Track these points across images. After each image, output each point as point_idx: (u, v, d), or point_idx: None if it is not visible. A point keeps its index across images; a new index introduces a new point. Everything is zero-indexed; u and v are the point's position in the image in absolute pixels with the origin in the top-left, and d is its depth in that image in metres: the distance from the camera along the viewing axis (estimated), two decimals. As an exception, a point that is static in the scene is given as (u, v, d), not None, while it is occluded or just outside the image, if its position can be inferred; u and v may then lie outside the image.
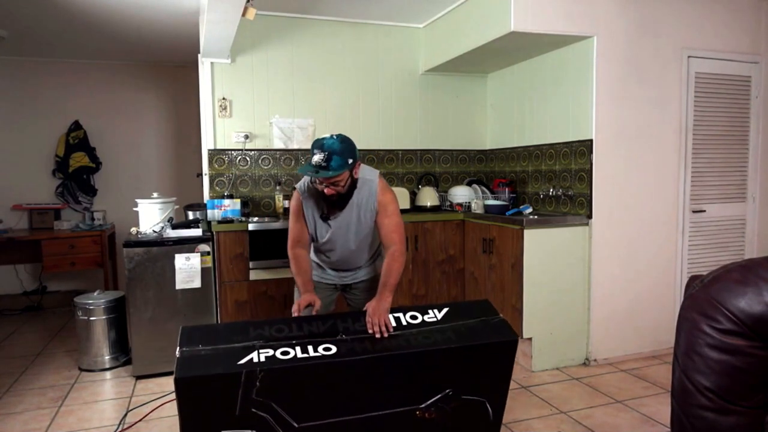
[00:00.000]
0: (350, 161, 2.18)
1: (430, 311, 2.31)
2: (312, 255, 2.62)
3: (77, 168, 5.28)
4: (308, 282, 2.45)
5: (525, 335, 3.41)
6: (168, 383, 3.30)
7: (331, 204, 2.33)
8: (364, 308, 2.27)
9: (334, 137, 2.18)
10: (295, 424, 1.94)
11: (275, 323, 2.13)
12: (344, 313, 2.35)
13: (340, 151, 2.13)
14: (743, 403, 1.16)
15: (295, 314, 2.33)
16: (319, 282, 2.62)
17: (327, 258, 2.56)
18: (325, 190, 2.23)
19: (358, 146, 4.41)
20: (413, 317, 2.28)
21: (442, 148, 4.64)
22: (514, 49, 3.73)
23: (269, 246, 3.60)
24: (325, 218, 2.40)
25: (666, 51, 3.58)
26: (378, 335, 2.13)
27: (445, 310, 2.33)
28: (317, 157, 2.12)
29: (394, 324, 2.21)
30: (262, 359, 1.90)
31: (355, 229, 2.41)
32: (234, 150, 4.08)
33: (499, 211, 3.85)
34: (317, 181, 2.23)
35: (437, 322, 2.25)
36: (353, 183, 2.29)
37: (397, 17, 4.24)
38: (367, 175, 2.38)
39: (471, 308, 2.37)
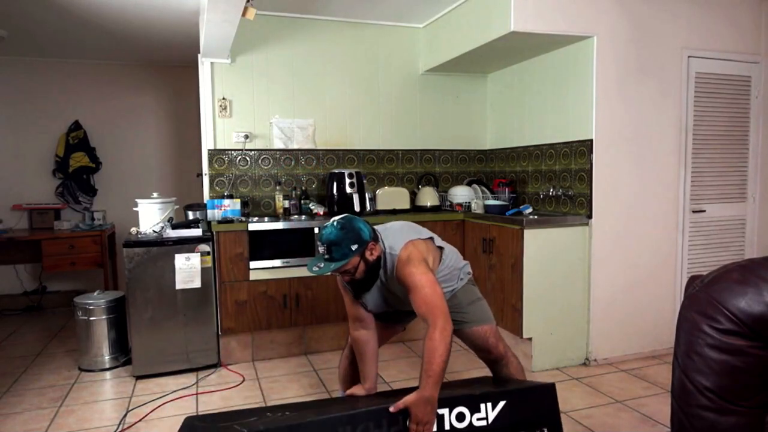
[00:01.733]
0: (354, 247, 2.02)
1: (482, 406, 1.85)
2: None
3: (77, 168, 5.28)
4: (369, 376, 2.26)
5: (525, 335, 3.41)
6: (168, 383, 3.31)
7: (356, 288, 2.19)
8: (402, 403, 1.86)
9: (335, 225, 2.05)
10: None
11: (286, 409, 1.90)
12: (377, 411, 1.83)
13: (339, 241, 2.01)
14: (743, 403, 1.16)
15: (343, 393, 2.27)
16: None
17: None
18: (343, 277, 2.12)
19: (358, 146, 4.45)
20: (460, 417, 1.84)
21: (442, 148, 4.64)
22: (514, 49, 3.73)
23: (269, 246, 3.60)
24: (357, 298, 2.25)
25: (666, 51, 3.58)
26: None
27: (500, 405, 1.87)
28: (321, 249, 2.05)
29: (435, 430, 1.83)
30: None
31: (393, 301, 2.23)
32: (234, 150, 4.08)
33: (499, 211, 3.86)
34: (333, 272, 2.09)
35: (487, 428, 1.79)
36: (371, 265, 2.10)
37: (397, 17, 4.24)
38: (394, 247, 2.13)
39: (534, 400, 1.93)
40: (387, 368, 3.51)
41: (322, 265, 2.03)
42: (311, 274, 3.71)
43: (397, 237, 2.16)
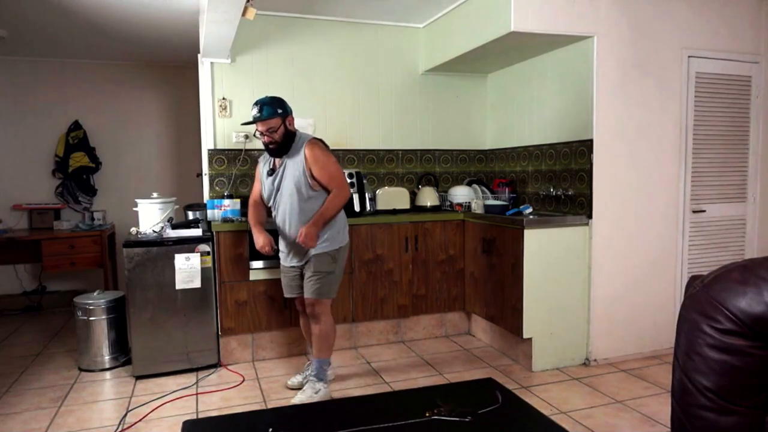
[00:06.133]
0: (280, 111, 2.82)
1: None
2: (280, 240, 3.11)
3: (77, 168, 5.28)
4: (260, 222, 3.08)
5: (525, 335, 3.40)
6: (168, 383, 3.31)
7: (272, 153, 2.91)
8: (301, 232, 2.82)
9: (267, 96, 2.91)
10: None
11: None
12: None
13: (270, 102, 2.83)
14: (743, 403, 1.16)
15: (265, 250, 2.99)
16: (283, 266, 3.12)
17: (280, 230, 3.03)
18: (265, 139, 2.84)
19: (359, 146, 4.45)
20: None
21: (442, 148, 4.64)
22: (514, 49, 3.73)
23: (269, 246, 3.60)
24: (270, 173, 2.96)
25: (666, 51, 3.58)
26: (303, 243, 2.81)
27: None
28: (254, 111, 2.84)
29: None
30: None
31: (287, 183, 2.89)
32: (234, 150, 4.08)
33: (499, 211, 3.86)
34: (259, 134, 2.86)
35: None
36: (288, 134, 2.87)
37: (397, 17, 4.24)
38: (304, 136, 2.94)
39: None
40: (387, 368, 3.51)
41: (255, 119, 2.84)
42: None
43: (305, 134, 2.99)
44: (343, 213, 3.06)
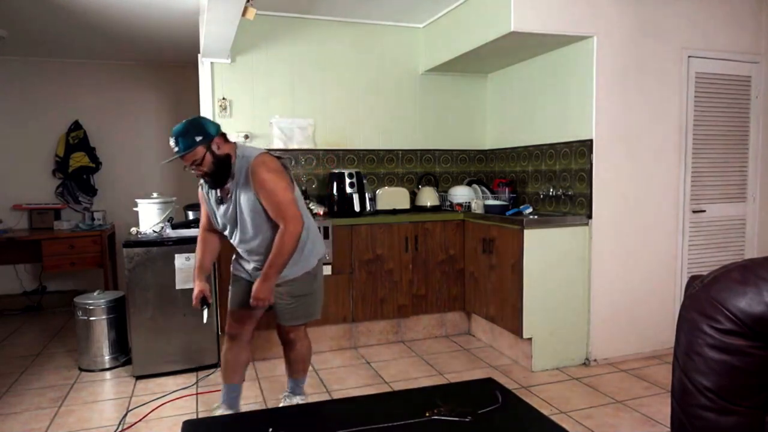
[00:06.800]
0: (198, 138, 2.27)
1: None
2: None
3: (77, 168, 5.28)
4: (202, 266, 2.58)
5: (525, 335, 3.40)
6: (168, 383, 3.31)
7: (210, 186, 2.43)
8: (253, 294, 2.35)
9: (182, 122, 2.34)
10: None
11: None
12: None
13: (184, 132, 2.29)
14: (743, 404, 1.16)
15: (194, 303, 2.53)
16: (239, 275, 2.63)
17: (240, 252, 2.58)
18: (194, 173, 2.36)
19: (359, 146, 4.45)
20: None
21: (442, 148, 4.64)
22: (514, 49, 3.73)
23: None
24: (219, 201, 2.46)
25: (666, 51, 3.58)
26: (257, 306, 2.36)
27: None
28: (172, 143, 2.32)
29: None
30: None
31: (246, 213, 2.38)
32: (234, 150, 4.07)
33: (499, 211, 3.86)
34: (186, 167, 2.36)
35: None
36: (220, 161, 2.32)
37: (397, 17, 4.24)
38: (247, 153, 2.38)
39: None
40: (387, 368, 3.51)
41: (173, 158, 2.30)
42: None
43: (252, 149, 2.42)
44: (309, 221, 2.55)
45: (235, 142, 2.44)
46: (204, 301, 2.54)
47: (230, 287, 2.65)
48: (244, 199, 2.35)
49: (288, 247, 2.29)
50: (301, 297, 2.53)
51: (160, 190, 4.41)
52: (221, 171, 2.34)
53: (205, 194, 2.53)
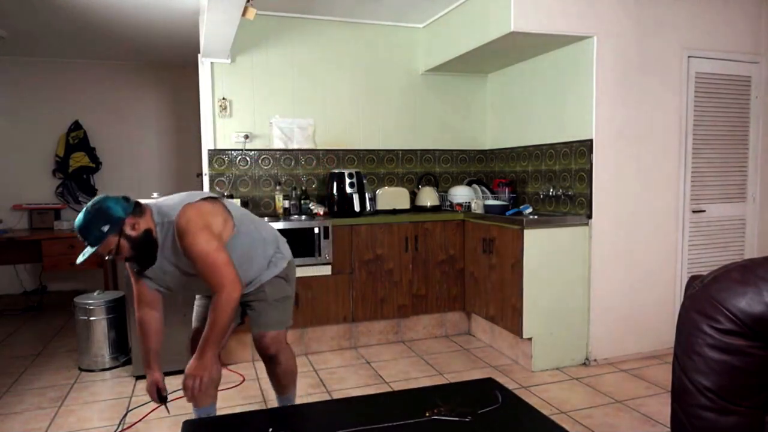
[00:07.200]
0: (105, 228, 1.95)
1: None
2: None
3: (77, 168, 5.29)
4: (149, 354, 2.20)
5: (525, 335, 3.40)
6: (168, 383, 3.29)
7: (141, 267, 2.14)
8: (187, 372, 2.03)
9: (84, 210, 1.98)
10: None
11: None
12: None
13: (87, 225, 1.95)
14: (743, 403, 1.16)
15: (150, 394, 2.20)
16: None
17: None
18: (117, 260, 2.04)
19: (359, 146, 4.45)
20: None
21: (442, 148, 4.64)
22: (514, 49, 3.73)
23: (269, 246, 3.59)
24: (140, 275, 2.18)
25: (666, 51, 3.58)
26: (190, 398, 2.05)
27: None
28: (80, 238, 1.99)
29: None
30: None
31: (184, 269, 2.13)
32: (234, 150, 4.08)
33: (499, 211, 3.86)
34: (107, 258, 2.07)
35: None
36: (139, 241, 2.03)
37: (397, 17, 4.24)
38: (167, 214, 2.09)
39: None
40: (387, 368, 3.51)
41: (85, 253, 1.97)
42: (311, 275, 3.73)
43: (173, 205, 2.11)
44: (262, 226, 2.41)
45: (150, 207, 2.13)
46: (160, 395, 2.20)
47: (195, 301, 2.47)
48: (184, 263, 2.10)
49: (224, 317, 2.02)
50: (276, 302, 2.37)
51: (160, 190, 4.41)
52: (146, 250, 2.06)
53: (132, 265, 2.22)
